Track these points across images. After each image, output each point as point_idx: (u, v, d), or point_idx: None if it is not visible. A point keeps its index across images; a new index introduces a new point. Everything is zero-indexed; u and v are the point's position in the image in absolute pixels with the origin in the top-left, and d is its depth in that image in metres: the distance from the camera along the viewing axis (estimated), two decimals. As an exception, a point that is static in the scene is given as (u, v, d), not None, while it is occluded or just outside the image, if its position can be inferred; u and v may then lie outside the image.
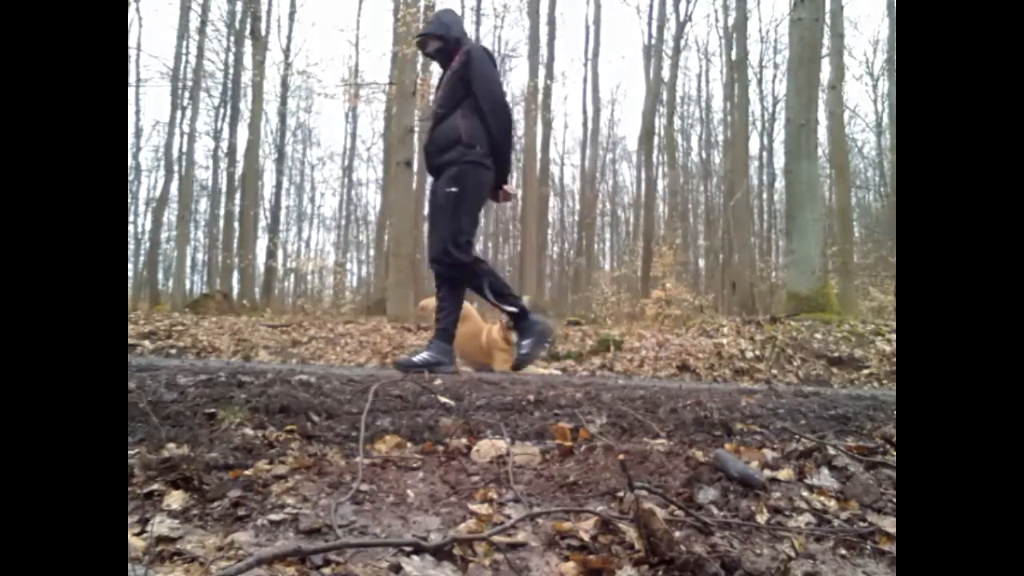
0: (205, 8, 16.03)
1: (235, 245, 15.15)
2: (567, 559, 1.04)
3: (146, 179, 22.20)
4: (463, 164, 3.03)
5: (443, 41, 3.19)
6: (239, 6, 15.95)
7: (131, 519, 1.05)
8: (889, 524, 1.22)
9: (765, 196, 19.55)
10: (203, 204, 21.37)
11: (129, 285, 17.05)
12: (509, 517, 1.17)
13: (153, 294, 14.79)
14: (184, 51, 15.98)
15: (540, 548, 1.08)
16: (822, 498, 1.33)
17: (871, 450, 1.60)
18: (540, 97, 14.95)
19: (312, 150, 26.35)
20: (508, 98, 3.14)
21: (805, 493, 1.33)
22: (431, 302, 3.61)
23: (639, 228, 17.81)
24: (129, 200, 19.95)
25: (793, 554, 1.11)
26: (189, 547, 0.97)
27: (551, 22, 16.69)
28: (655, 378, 4.73)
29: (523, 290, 12.15)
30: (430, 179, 3.31)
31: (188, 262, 19.08)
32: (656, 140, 17.97)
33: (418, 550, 0.99)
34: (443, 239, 3.06)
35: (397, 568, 0.94)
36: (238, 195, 15.69)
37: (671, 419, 1.86)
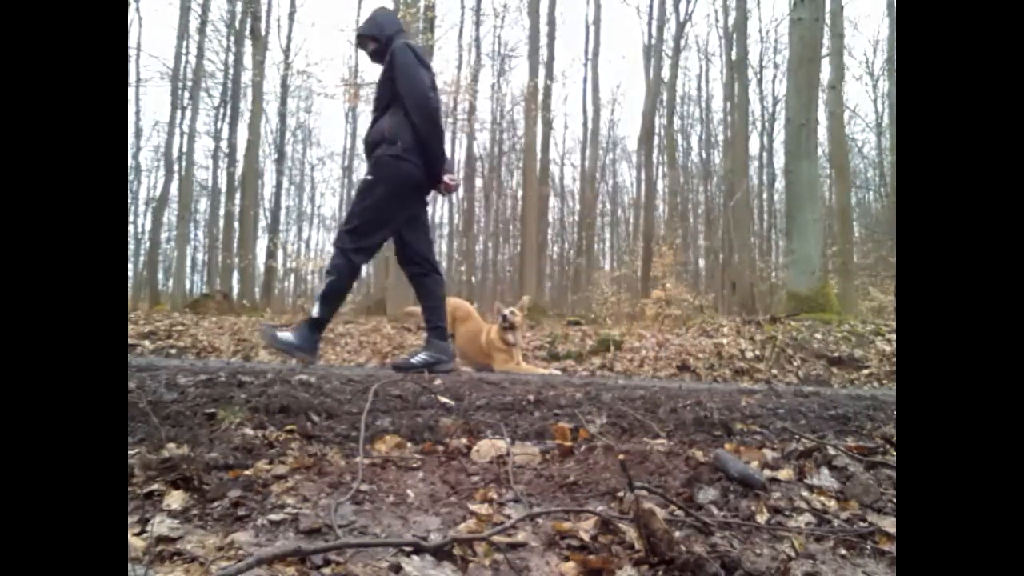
0: (205, 8, 16.03)
1: (235, 245, 15.15)
2: (567, 559, 1.04)
3: (146, 179, 22.25)
4: (381, 158, 3.09)
5: (377, 42, 3.20)
6: (239, 6, 15.94)
7: (131, 519, 1.05)
8: (889, 524, 1.22)
9: (765, 196, 19.54)
10: (203, 204, 21.40)
11: (129, 285, 17.07)
12: (509, 517, 1.17)
13: (153, 294, 14.78)
14: (184, 51, 15.98)
15: (540, 548, 1.08)
16: (822, 498, 1.32)
17: (871, 450, 1.60)
18: (540, 97, 14.92)
19: (312, 150, 26.33)
20: (433, 91, 3.07)
21: (805, 493, 1.33)
22: (417, 308, 3.62)
23: (639, 228, 17.82)
24: (129, 200, 19.96)
25: (793, 554, 1.11)
26: (189, 547, 0.97)
27: (551, 22, 16.68)
28: (655, 378, 4.73)
29: (523, 290, 12.16)
30: None
31: (188, 262, 19.13)
32: (656, 140, 17.98)
33: (418, 550, 0.99)
34: (343, 222, 3.16)
35: (397, 568, 0.94)
36: (238, 195, 15.68)
37: (671, 419, 1.86)
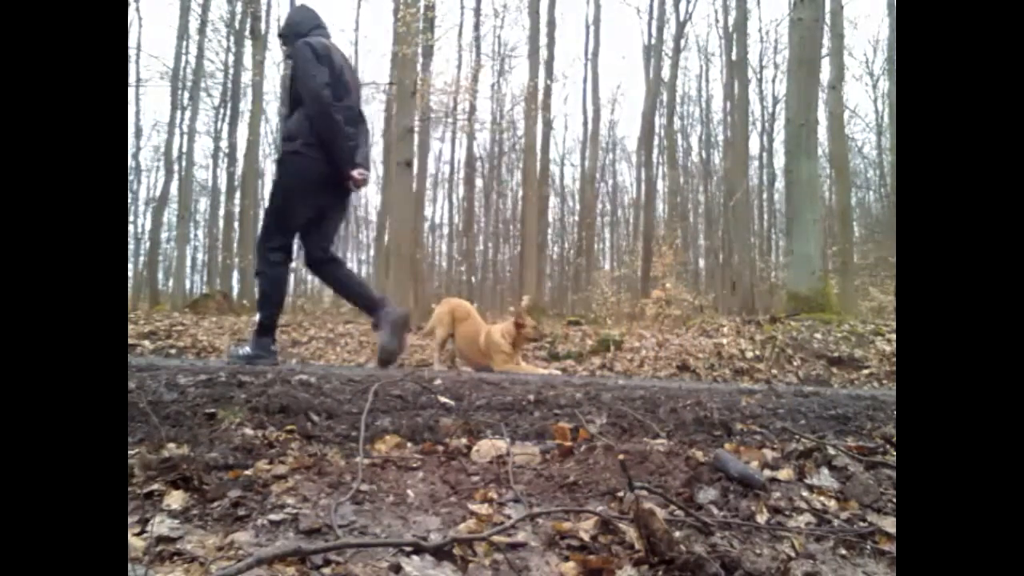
0: (205, 8, 16.05)
1: (235, 245, 15.15)
2: (567, 559, 1.04)
3: (146, 179, 22.23)
4: (282, 156, 3.16)
5: (287, 40, 3.34)
6: (239, 6, 15.95)
7: (131, 519, 1.05)
8: (889, 524, 1.22)
9: (765, 196, 19.55)
10: (203, 204, 21.41)
11: (129, 285, 17.05)
12: (509, 517, 1.17)
13: (153, 294, 14.78)
14: (184, 51, 16.00)
15: (540, 548, 1.08)
16: (822, 498, 1.32)
17: (871, 450, 1.59)
18: (540, 97, 14.93)
19: (312, 150, 26.29)
20: (327, 87, 3.05)
21: (805, 493, 1.33)
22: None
23: (639, 228, 17.83)
24: (129, 200, 19.95)
25: (793, 554, 1.11)
26: (189, 547, 0.97)
27: (551, 22, 16.69)
28: (655, 378, 4.73)
29: (523, 290, 12.16)
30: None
31: (188, 262, 19.14)
32: (656, 140, 18.00)
33: (418, 550, 0.99)
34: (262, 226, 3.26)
35: (397, 568, 0.94)
36: (238, 195, 15.69)
37: (671, 419, 1.86)
